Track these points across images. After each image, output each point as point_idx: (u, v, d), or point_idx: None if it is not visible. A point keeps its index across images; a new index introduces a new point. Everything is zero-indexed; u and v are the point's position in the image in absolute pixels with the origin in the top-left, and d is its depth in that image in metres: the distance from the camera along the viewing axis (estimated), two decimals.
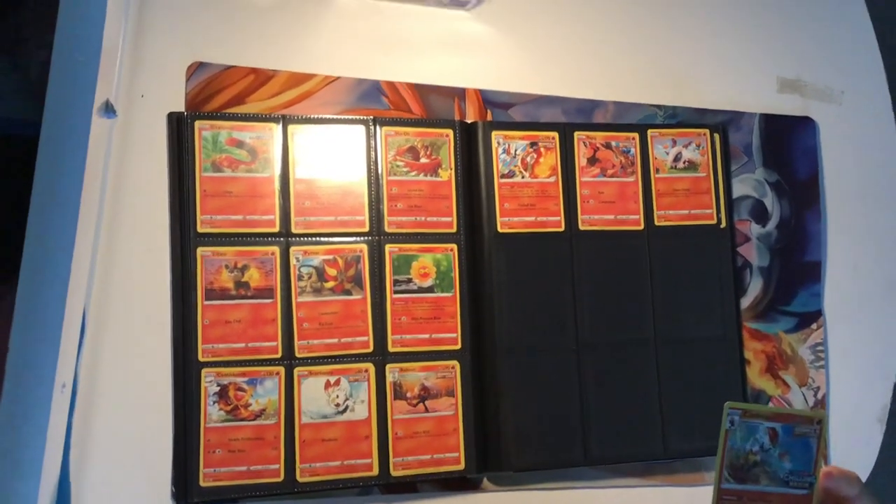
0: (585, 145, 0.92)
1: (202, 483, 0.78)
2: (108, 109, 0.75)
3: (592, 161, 0.92)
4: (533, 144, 0.90)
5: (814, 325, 0.98)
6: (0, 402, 0.65)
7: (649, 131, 0.94)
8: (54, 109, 0.65)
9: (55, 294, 0.66)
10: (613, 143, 0.93)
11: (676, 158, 0.94)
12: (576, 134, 0.92)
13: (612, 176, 0.92)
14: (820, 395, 0.97)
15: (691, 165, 0.94)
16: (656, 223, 0.92)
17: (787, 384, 0.96)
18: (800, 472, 0.63)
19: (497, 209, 0.88)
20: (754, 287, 0.97)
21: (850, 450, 0.98)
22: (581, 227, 0.90)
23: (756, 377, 0.95)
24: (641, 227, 0.92)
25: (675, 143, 0.94)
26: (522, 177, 0.89)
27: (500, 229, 0.88)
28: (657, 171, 0.93)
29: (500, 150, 0.89)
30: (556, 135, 0.91)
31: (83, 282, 0.75)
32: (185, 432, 0.79)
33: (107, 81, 0.75)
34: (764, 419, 0.62)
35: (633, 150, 0.93)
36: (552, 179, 0.90)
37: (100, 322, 0.79)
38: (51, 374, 0.65)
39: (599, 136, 0.92)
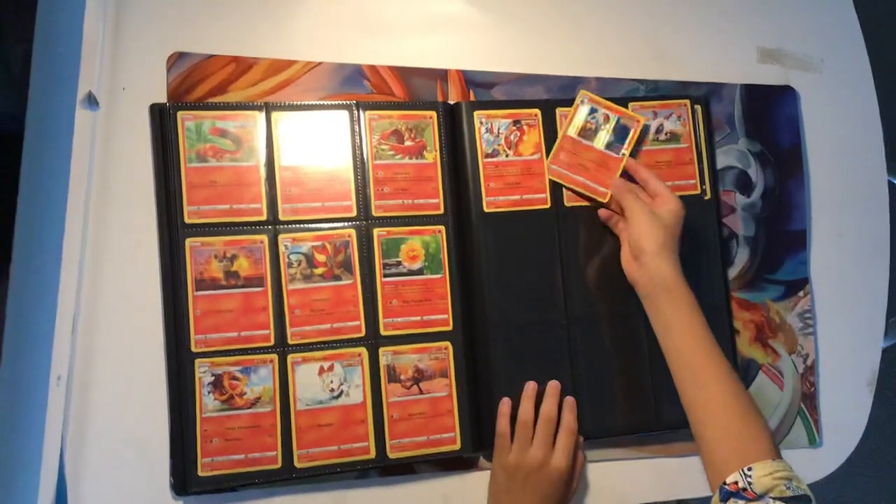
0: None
1: (200, 473, 0.79)
2: (91, 101, 0.75)
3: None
4: (516, 123, 0.90)
5: (801, 293, 0.99)
6: None
7: (630, 104, 0.94)
8: (38, 102, 0.65)
9: (47, 287, 0.66)
10: None
11: (658, 130, 0.94)
12: (557, 110, 0.92)
13: None
14: (809, 362, 0.98)
15: (673, 137, 0.95)
16: None
17: (777, 352, 0.97)
18: (617, 144, 0.91)
19: (482, 189, 0.88)
20: (741, 257, 0.98)
21: (841, 414, 0.99)
22: (567, 204, 0.90)
23: (745, 346, 0.96)
24: None
25: (656, 115, 0.94)
26: (507, 156, 0.90)
27: (486, 209, 0.88)
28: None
29: (484, 130, 0.89)
30: (538, 112, 0.91)
31: (74, 275, 0.75)
32: (182, 423, 0.79)
33: (89, 74, 0.75)
34: (603, 107, 0.92)
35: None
36: (536, 157, 0.91)
37: (92, 317, 0.80)
38: (46, 366, 0.65)
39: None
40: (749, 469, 0.72)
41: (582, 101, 0.92)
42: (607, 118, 0.92)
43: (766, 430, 0.77)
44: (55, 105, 0.67)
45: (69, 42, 0.68)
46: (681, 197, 0.86)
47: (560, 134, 0.91)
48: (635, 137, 0.92)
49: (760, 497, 0.70)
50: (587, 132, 0.91)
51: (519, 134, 0.90)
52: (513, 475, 0.83)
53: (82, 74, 0.69)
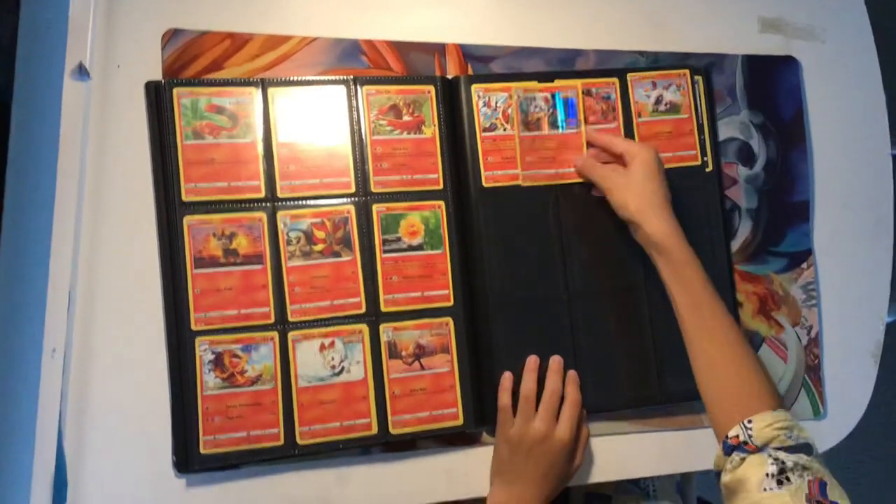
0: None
1: (202, 450, 0.79)
2: (82, 72, 0.74)
3: None
4: (513, 96, 0.90)
5: (804, 265, 0.98)
6: None
7: (629, 75, 0.93)
8: (26, 73, 0.64)
9: (37, 257, 0.65)
10: (594, 90, 0.92)
11: (658, 101, 0.93)
12: (556, 82, 0.91)
13: (593, 123, 0.91)
14: (813, 334, 0.97)
15: (673, 107, 0.94)
16: None
17: (781, 324, 0.97)
18: (570, 119, 0.90)
19: (481, 163, 0.87)
20: (743, 229, 0.97)
21: (846, 385, 0.99)
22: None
23: (749, 319, 0.95)
24: None
25: (655, 85, 0.94)
26: (504, 130, 0.89)
27: (485, 184, 0.87)
28: (639, 115, 0.93)
29: (482, 104, 0.88)
30: (536, 84, 0.91)
31: (68, 247, 0.75)
32: (183, 401, 0.79)
33: (79, 44, 0.74)
34: (537, 91, 0.90)
35: (613, 95, 0.92)
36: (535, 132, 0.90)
37: (91, 295, 0.79)
38: (38, 337, 0.64)
39: (579, 84, 0.92)
40: (749, 421, 0.72)
41: (518, 96, 0.90)
42: (547, 100, 0.90)
43: (767, 383, 0.77)
44: (43, 75, 0.66)
45: (57, 10, 0.67)
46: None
47: (477, 140, 0.88)
48: (582, 105, 0.91)
49: (761, 449, 0.71)
50: (536, 123, 0.90)
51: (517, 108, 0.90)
52: (516, 448, 0.82)
53: (71, 41, 0.68)
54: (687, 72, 0.94)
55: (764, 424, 0.72)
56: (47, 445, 0.70)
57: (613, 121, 0.92)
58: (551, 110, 0.90)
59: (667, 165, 0.88)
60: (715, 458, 0.75)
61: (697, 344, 0.80)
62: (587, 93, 0.92)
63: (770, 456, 0.69)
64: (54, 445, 0.72)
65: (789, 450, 0.70)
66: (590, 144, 0.90)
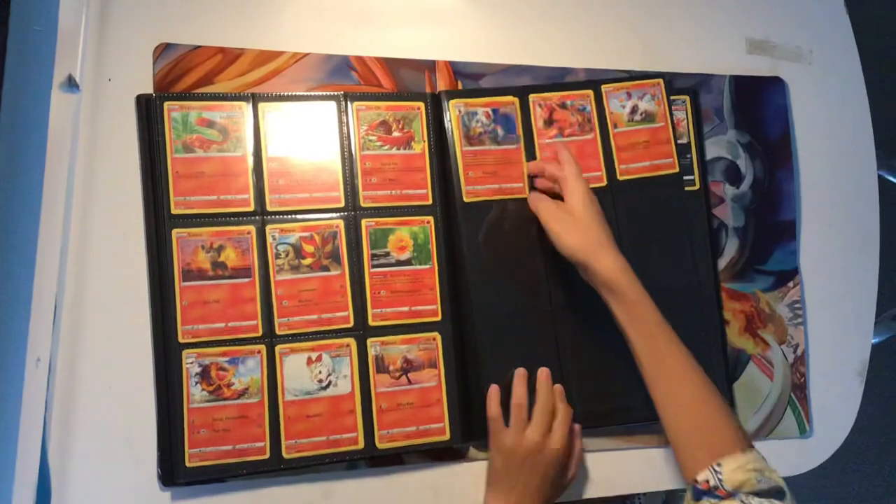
0: (541, 107, 0.92)
1: (188, 464, 0.79)
2: (71, 84, 0.75)
3: (549, 123, 0.92)
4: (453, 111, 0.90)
5: (790, 283, 0.99)
6: None
7: (603, 87, 0.94)
8: (13, 79, 0.64)
9: (22, 267, 0.65)
10: (569, 102, 0.93)
11: (633, 111, 0.94)
12: (530, 97, 0.92)
13: (570, 135, 0.92)
14: (799, 352, 0.98)
15: (648, 117, 0.94)
16: (619, 177, 0.92)
17: (767, 342, 0.97)
18: (509, 135, 0.90)
19: (462, 178, 0.88)
20: (730, 248, 0.97)
21: (831, 404, 0.99)
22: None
23: (735, 336, 0.96)
24: (605, 182, 0.92)
25: (630, 95, 0.94)
26: (483, 145, 0.89)
27: (465, 199, 0.88)
28: (615, 125, 0.93)
29: (464, 119, 0.89)
30: (516, 100, 0.91)
31: (54, 259, 0.75)
32: (169, 414, 0.79)
33: (68, 56, 0.74)
34: (479, 106, 0.90)
35: (588, 107, 0.93)
36: (514, 146, 0.90)
37: (78, 307, 0.79)
38: (22, 346, 0.64)
39: (555, 97, 0.92)
40: (719, 465, 0.71)
41: (459, 111, 0.89)
42: (489, 115, 0.90)
43: (733, 423, 0.75)
44: (32, 87, 0.66)
45: (45, 18, 0.67)
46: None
47: (458, 156, 0.88)
48: (520, 119, 0.91)
49: (733, 494, 0.69)
50: (479, 138, 0.90)
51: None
52: (510, 457, 0.82)
53: (60, 53, 0.68)
54: (660, 81, 0.95)
55: (734, 466, 0.70)
56: (30, 456, 0.70)
57: (590, 132, 0.93)
58: (491, 123, 0.90)
59: (644, 175, 0.90)
60: None
61: (659, 386, 0.79)
62: (563, 105, 0.92)
63: (742, 502, 0.68)
64: (37, 456, 0.72)
65: (761, 494, 0.68)
66: (531, 173, 0.90)
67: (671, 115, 0.95)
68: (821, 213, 1.02)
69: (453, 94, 0.90)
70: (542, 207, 0.85)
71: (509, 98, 0.91)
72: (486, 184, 0.89)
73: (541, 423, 0.83)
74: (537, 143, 0.91)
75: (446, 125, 0.89)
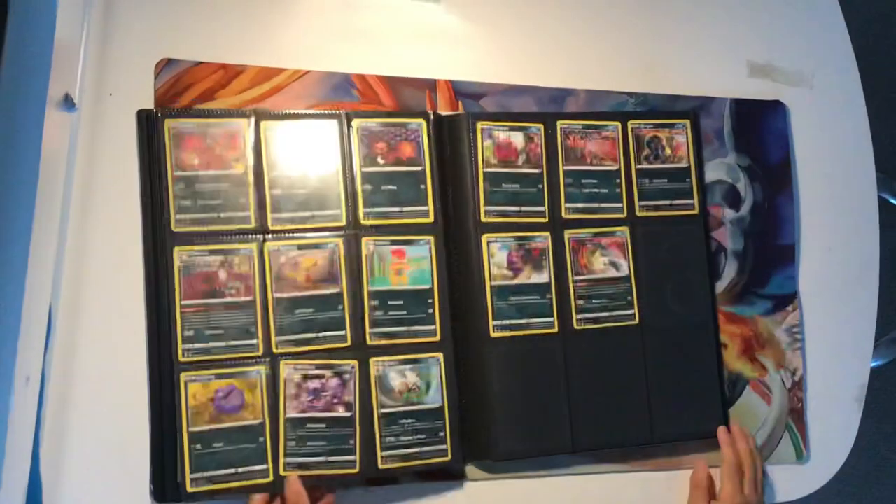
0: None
1: (189, 489, 0.78)
2: (68, 103, 0.74)
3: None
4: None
5: (789, 308, 0.99)
6: None
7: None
8: (8, 97, 0.63)
9: (12, 285, 0.64)
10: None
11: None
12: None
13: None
14: (797, 377, 0.98)
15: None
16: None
17: (765, 367, 0.97)
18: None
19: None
20: (729, 271, 0.97)
21: (829, 430, 0.99)
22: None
23: (733, 360, 0.96)
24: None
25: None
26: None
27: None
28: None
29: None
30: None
31: (47, 276, 0.74)
32: (164, 433, 0.78)
33: (66, 74, 0.74)
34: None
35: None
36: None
37: (75, 325, 0.79)
38: (10, 364, 0.63)
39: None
40: None
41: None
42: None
43: None
44: (25, 99, 0.66)
45: (41, 38, 0.67)
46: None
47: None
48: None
49: None
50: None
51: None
52: None
53: (57, 72, 0.68)
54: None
55: None
56: (18, 476, 0.69)
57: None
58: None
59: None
60: None
61: None
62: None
63: None
64: (25, 477, 0.71)
65: None
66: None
67: (697, 155, 0.96)
68: (820, 237, 1.02)
69: (479, 115, 0.90)
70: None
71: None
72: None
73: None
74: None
75: (467, 145, 0.88)
